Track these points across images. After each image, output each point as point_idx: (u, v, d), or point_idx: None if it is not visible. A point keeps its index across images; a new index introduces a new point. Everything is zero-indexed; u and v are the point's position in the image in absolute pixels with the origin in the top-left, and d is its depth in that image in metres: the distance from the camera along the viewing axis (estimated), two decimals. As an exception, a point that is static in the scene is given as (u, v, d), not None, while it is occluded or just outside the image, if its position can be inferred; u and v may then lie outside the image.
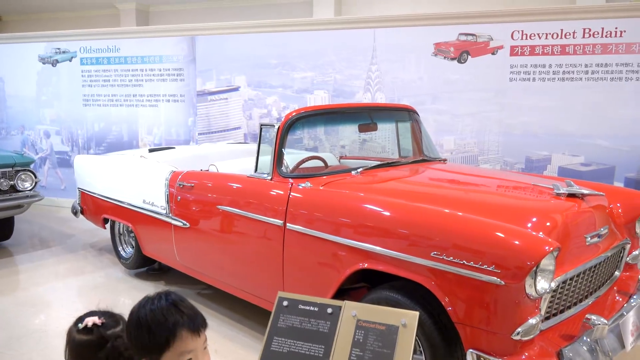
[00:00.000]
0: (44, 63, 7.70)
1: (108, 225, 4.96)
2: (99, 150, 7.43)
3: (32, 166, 5.46)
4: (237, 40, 6.66)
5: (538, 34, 5.26)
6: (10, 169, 5.19)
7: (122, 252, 4.87)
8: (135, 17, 12.11)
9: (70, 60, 7.55)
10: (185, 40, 6.89)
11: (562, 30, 5.17)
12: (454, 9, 7.58)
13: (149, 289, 4.44)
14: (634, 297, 2.85)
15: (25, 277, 4.76)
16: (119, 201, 4.59)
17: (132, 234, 4.71)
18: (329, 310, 2.19)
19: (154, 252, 4.38)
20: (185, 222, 3.85)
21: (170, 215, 3.99)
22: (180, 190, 3.89)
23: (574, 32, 5.13)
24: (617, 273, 3.05)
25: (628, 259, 3.09)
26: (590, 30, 5.08)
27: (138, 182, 4.43)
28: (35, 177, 5.39)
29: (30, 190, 5.32)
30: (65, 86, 7.62)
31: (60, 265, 5.05)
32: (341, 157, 4.43)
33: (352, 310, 2.16)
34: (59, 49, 7.60)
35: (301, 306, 2.25)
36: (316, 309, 2.23)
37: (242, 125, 6.72)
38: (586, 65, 5.13)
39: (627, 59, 4.98)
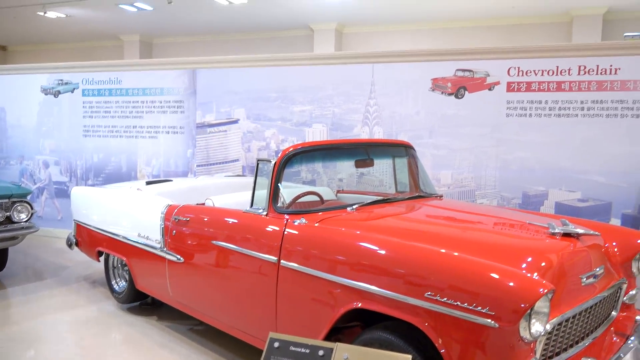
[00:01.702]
0: (46, 94, 7.78)
1: (102, 258, 4.93)
2: (97, 181, 7.43)
3: (29, 197, 5.45)
4: (237, 74, 6.75)
5: (534, 71, 5.32)
6: (7, 200, 5.18)
7: (115, 286, 4.82)
8: (139, 49, 12.33)
9: (72, 92, 7.63)
10: (186, 73, 6.98)
11: (557, 67, 5.23)
12: (451, 45, 7.71)
13: (140, 324, 4.37)
14: (631, 338, 2.82)
15: (17, 311, 4.70)
16: (113, 234, 4.57)
17: (125, 268, 4.67)
18: (321, 353, 2.16)
19: (147, 287, 4.34)
20: (179, 256, 3.82)
21: (165, 249, 3.96)
22: (176, 225, 3.88)
23: (569, 69, 5.19)
24: (614, 313, 3.01)
25: (625, 299, 3.06)
26: (585, 67, 5.15)
27: (134, 215, 4.42)
28: (32, 208, 5.37)
29: (26, 221, 5.30)
30: (66, 117, 7.68)
31: (53, 299, 4.99)
32: (338, 192, 4.43)
33: (344, 353, 2.13)
34: (61, 80, 7.69)
35: (292, 348, 2.22)
36: (307, 350, 2.20)
37: (240, 157, 6.75)
38: (582, 102, 5.17)
39: (623, 96, 5.02)
